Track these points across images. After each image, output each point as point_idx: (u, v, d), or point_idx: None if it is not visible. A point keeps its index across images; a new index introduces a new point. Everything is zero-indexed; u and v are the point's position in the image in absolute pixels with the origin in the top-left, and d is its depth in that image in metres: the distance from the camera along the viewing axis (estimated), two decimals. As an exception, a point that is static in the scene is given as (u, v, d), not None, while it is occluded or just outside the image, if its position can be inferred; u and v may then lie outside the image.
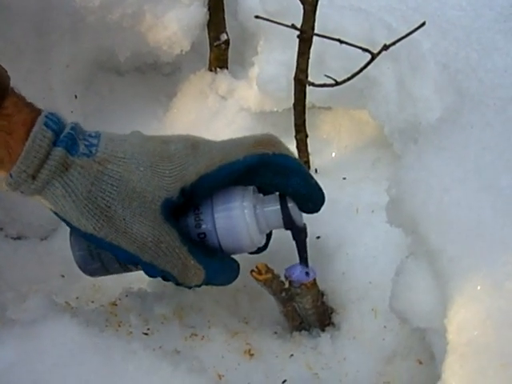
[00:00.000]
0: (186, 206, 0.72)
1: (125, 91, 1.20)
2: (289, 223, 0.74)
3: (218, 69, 1.13)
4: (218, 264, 0.72)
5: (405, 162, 0.71)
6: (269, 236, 0.81)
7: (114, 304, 0.86)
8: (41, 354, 0.66)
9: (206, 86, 1.14)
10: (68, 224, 0.69)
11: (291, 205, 0.74)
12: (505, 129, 0.75)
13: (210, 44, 1.10)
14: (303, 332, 0.87)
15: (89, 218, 0.66)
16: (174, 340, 0.80)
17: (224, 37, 1.09)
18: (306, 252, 0.78)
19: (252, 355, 0.82)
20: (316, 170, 1.03)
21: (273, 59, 1.04)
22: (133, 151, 0.68)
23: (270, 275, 0.78)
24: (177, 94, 1.17)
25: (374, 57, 0.78)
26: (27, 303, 0.80)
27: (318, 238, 0.92)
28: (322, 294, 0.87)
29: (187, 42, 1.07)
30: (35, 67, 1.03)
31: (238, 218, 0.72)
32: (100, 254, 0.74)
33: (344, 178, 1.02)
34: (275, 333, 0.88)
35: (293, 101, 0.96)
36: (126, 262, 0.72)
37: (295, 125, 0.98)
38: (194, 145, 0.70)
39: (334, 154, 1.06)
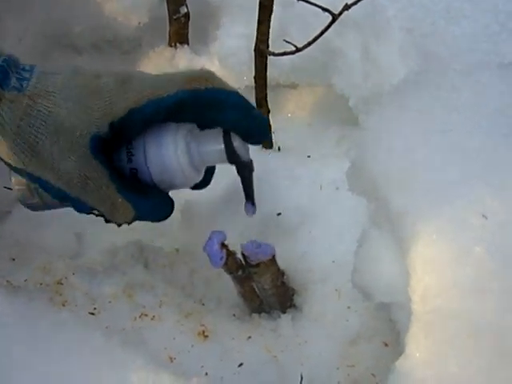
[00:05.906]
0: (121, 141, 0.70)
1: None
2: (232, 157, 0.71)
3: (178, 44, 1.08)
4: (148, 202, 0.71)
5: (365, 123, 0.67)
6: (211, 171, 0.78)
7: (60, 283, 0.80)
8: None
9: (166, 63, 1.09)
10: (0, 159, 0.68)
11: (235, 138, 0.71)
12: (473, 93, 0.71)
13: (170, 17, 1.05)
14: (263, 314, 0.83)
15: (18, 153, 0.65)
16: (121, 320, 0.76)
17: (184, 9, 1.04)
18: (251, 188, 0.75)
19: (206, 337, 0.78)
20: (279, 148, 0.99)
21: (234, 32, 1.00)
22: (63, 85, 0.67)
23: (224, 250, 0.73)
24: (135, 72, 1.12)
25: (335, 18, 0.74)
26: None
27: (279, 214, 0.87)
28: (283, 274, 0.82)
29: (144, 13, 1.03)
30: (-17, 39, 0.98)
31: (169, 152, 0.69)
32: (38, 189, 0.73)
33: (308, 156, 0.98)
34: (233, 315, 0.83)
35: (254, 74, 0.92)
36: (56, 197, 0.70)
37: (256, 99, 0.93)
38: (125, 79, 0.68)
39: (297, 132, 1.02)
